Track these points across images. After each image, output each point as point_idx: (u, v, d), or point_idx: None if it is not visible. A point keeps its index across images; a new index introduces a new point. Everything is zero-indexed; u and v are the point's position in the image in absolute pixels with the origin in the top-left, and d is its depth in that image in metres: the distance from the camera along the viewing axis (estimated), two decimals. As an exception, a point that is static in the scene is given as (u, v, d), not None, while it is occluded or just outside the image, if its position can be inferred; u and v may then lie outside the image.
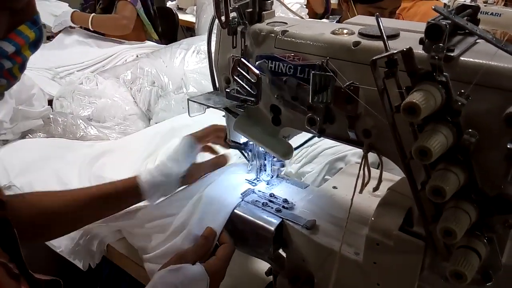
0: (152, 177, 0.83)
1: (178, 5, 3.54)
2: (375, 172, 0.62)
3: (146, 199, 0.84)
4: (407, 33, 0.60)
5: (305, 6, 2.58)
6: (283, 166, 0.84)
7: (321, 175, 1.06)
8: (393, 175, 0.74)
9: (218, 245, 0.76)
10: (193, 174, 0.88)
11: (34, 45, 0.55)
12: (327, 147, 1.10)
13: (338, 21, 2.31)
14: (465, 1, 2.23)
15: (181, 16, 3.25)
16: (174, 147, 0.88)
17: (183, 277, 0.67)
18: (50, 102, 1.61)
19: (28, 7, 0.54)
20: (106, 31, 2.33)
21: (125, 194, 0.84)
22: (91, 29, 2.30)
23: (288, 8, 0.84)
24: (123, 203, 0.86)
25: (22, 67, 0.56)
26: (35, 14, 0.55)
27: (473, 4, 0.57)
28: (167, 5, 3.52)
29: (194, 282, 0.68)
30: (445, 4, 2.27)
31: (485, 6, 2.18)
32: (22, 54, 0.54)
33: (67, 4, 2.67)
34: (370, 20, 0.68)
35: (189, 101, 0.76)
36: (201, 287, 0.68)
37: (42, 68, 1.84)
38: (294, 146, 0.78)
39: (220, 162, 0.91)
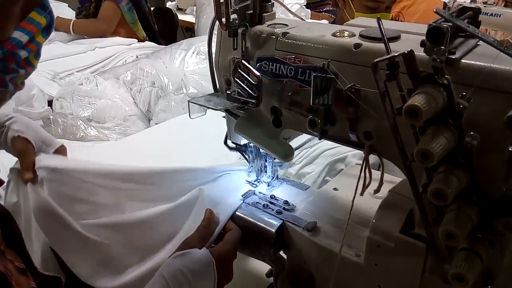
0: None
1: (177, 6, 3.53)
2: (375, 174, 0.62)
3: None
4: (408, 35, 0.60)
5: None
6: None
7: (321, 176, 1.07)
8: (393, 176, 0.74)
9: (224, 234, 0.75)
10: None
11: (47, 31, 0.55)
12: (327, 148, 1.10)
13: (333, 21, 2.31)
14: (465, 1, 2.23)
15: (181, 17, 3.24)
16: None
17: (188, 260, 0.67)
18: (50, 103, 1.61)
19: None
20: (87, 35, 2.39)
21: None
22: (72, 33, 2.37)
23: (288, 10, 0.83)
24: None
25: (37, 54, 0.55)
26: None
27: (473, 6, 0.57)
28: (167, 6, 3.52)
29: (200, 265, 0.67)
30: (445, 3, 2.27)
31: (485, 7, 2.18)
32: (35, 41, 0.53)
33: (67, 4, 2.68)
34: (371, 22, 0.68)
35: (190, 103, 0.76)
36: (207, 270, 0.67)
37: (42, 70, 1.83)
38: (294, 147, 0.78)
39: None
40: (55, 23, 0.56)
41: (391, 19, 2.22)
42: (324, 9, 2.85)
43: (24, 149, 0.84)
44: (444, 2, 2.18)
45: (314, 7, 2.82)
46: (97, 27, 2.38)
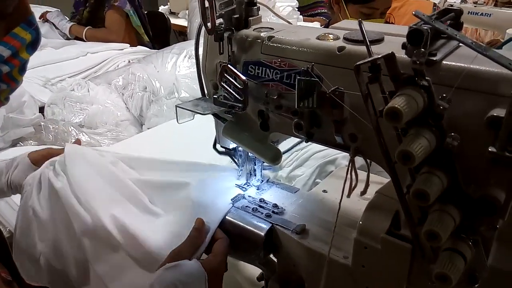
0: None
1: (170, 10, 3.53)
2: (363, 175, 0.62)
3: None
4: (392, 37, 0.60)
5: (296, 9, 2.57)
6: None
7: (312, 179, 1.07)
8: (382, 177, 0.74)
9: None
10: None
11: (32, 46, 0.54)
12: (318, 151, 1.10)
13: (327, 24, 2.32)
14: (455, 1, 2.24)
15: (173, 21, 3.24)
16: None
17: (180, 273, 0.66)
18: (41, 109, 1.61)
19: (20, 8, 0.52)
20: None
21: None
22: (85, 40, 2.43)
23: (275, 13, 0.84)
24: None
25: (22, 70, 0.54)
26: (29, 14, 0.53)
27: (457, 8, 0.57)
28: (159, 10, 3.53)
29: (192, 279, 0.66)
30: (434, 3, 2.28)
31: (475, 6, 2.20)
32: (19, 57, 0.53)
33: (60, 10, 2.68)
34: (357, 25, 0.68)
35: (177, 108, 0.76)
36: (198, 283, 0.66)
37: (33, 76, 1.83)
38: (282, 150, 0.78)
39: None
40: (41, 38, 0.56)
41: (382, 21, 2.23)
42: (316, 11, 2.86)
43: (46, 150, 0.91)
44: (434, 3, 2.19)
45: (306, 10, 2.83)
46: (106, 37, 2.41)
